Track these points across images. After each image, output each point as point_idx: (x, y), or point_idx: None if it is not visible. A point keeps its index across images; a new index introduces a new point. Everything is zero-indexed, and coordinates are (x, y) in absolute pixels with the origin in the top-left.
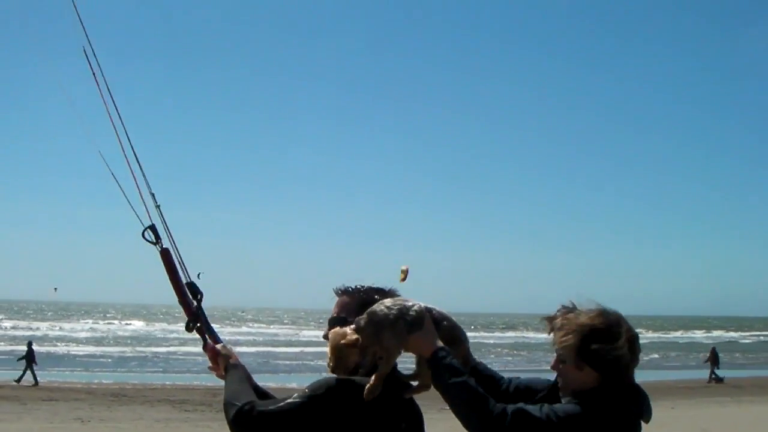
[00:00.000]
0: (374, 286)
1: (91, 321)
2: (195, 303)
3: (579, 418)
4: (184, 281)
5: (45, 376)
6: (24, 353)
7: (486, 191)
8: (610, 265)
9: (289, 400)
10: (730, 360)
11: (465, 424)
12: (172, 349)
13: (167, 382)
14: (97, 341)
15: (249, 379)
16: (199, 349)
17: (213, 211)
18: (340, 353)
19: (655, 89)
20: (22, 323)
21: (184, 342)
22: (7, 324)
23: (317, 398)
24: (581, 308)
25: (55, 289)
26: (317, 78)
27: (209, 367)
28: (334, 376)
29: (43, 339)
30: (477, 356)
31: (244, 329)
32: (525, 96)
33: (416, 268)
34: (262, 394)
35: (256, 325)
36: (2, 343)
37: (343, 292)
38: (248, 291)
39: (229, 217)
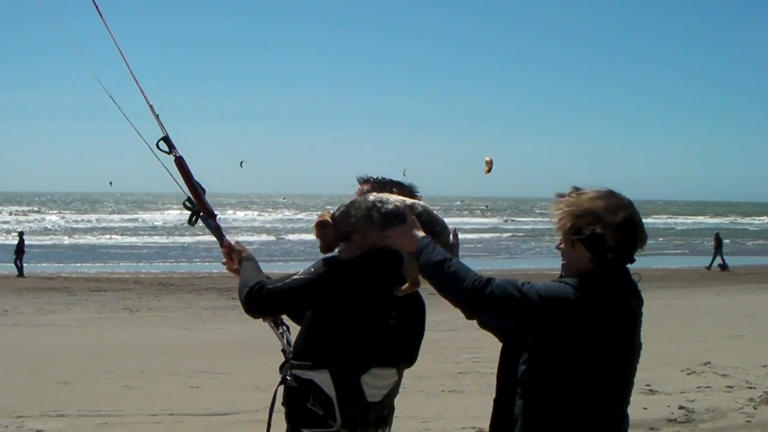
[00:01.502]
0: (395, 179)
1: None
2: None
3: (561, 298)
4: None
5: (91, 267)
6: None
7: (475, 81)
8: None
9: (294, 277)
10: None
11: (451, 301)
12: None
13: (214, 271)
14: (132, 231)
15: (260, 268)
16: (248, 233)
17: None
18: (317, 233)
19: None
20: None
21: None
22: (52, 217)
23: (318, 276)
24: (589, 190)
25: (111, 183)
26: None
27: (223, 262)
28: (335, 256)
29: (78, 231)
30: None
31: (286, 214)
32: None
33: (412, 154)
34: None
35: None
36: (46, 237)
37: (365, 181)
38: (290, 177)
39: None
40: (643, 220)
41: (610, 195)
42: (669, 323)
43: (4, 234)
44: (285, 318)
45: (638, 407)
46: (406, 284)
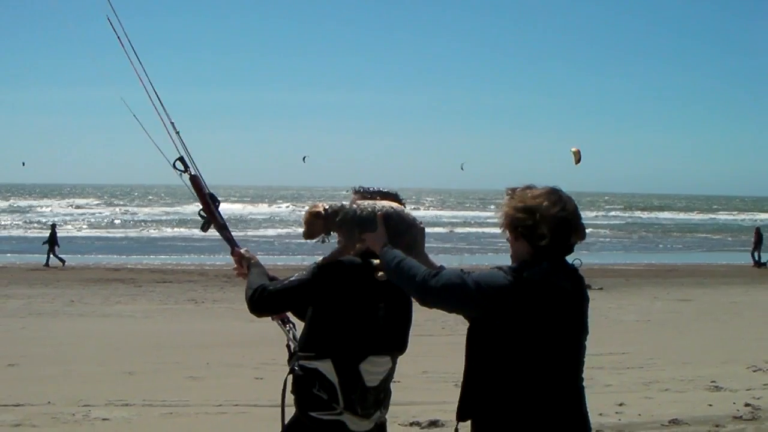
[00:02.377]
0: (383, 189)
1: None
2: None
3: (493, 284)
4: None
5: (155, 259)
6: (48, 236)
7: (478, 79)
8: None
9: (291, 279)
10: None
11: (408, 293)
12: (270, 231)
13: (279, 263)
14: (181, 223)
15: (266, 273)
16: (300, 231)
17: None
18: (306, 219)
19: None
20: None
21: (284, 223)
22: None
23: (312, 277)
24: (535, 187)
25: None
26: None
27: (234, 269)
28: (325, 257)
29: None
30: None
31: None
32: None
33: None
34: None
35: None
36: (108, 230)
37: (356, 192)
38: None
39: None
40: (712, 216)
41: (551, 193)
42: (734, 320)
43: (69, 225)
44: (291, 317)
45: (703, 404)
46: (380, 274)
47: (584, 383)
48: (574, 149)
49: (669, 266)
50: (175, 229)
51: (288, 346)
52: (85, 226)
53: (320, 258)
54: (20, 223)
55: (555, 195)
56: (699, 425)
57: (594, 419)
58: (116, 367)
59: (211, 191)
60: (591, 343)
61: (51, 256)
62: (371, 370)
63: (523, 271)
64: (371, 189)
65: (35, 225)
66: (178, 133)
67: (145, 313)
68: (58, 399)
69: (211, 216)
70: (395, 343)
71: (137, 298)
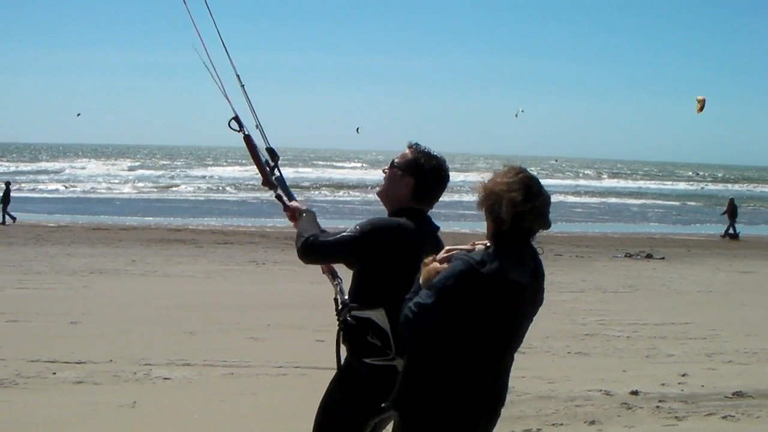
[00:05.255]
0: (433, 152)
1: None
2: (272, 169)
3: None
4: (265, 147)
5: (216, 221)
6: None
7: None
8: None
9: (343, 234)
10: None
11: None
12: (326, 192)
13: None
14: (237, 185)
15: (317, 222)
16: (371, 194)
17: None
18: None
19: None
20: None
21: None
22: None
23: (364, 234)
24: (522, 171)
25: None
26: None
27: (287, 217)
28: (381, 216)
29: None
30: None
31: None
32: None
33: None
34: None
35: None
36: (168, 191)
37: (409, 147)
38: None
39: None
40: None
41: (521, 181)
42: None
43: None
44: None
45: (767, 377)
46: None
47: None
48: (699, 97)
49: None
50: (234, 192)
51: (335, 300)
52: (149, 186)
53: (373, 218)
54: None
55: (523, 184)
56: (763, 398)
57: (657, 389)
58: (177, 327)
59: (272, 146)
60: (653, 313)
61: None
62: None
63: (470, 261)
64: (425, 148)
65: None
66: (243, 86)
67: (207, 273)
68: (120, 357)
69: (262, 173)
70: None
71: (198, 258)
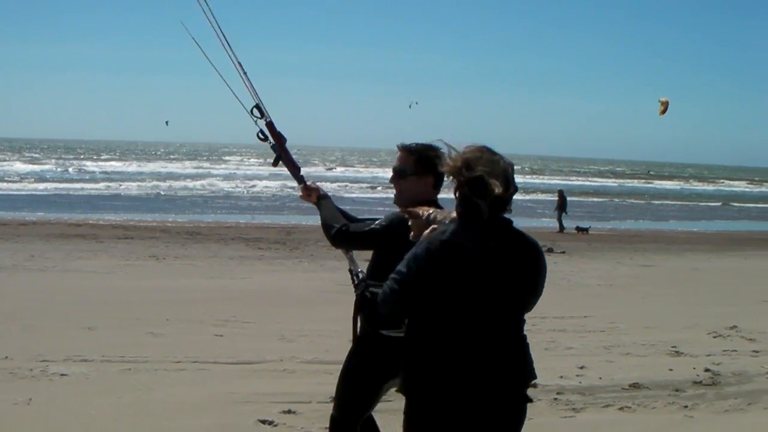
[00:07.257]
0: (424, 144)
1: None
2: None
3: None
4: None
5: (117, 216)
6: None
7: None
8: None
9: (372, 226)
10: None
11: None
12: (241, 187)
13: (241, 221)
14: (155, 177)
15: (336, 207)
16: (275, 186)
17: None
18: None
19: None
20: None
21: (255, 177)
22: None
23: (392, 227)
24: (472, 146)
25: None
26: None
27: (300, 196)
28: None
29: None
30: None
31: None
32: None
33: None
34: (347, 217)
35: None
36: (67, 185)
37: (405, 149)
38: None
39: None
40: (682, 184)
41: (476, 150)
42: (696, 286)
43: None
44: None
45: (664, 368)
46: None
47: (525, 333)
48: (662, 99)
49: (633, 231)
50: (139, 185)
51: (350, 271)
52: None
53: (399, 212)
54: None
55: (478, 153)
56: (659, 389)
57: (555, 381)
58: (76, 323)
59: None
60: (553, 306)
61: None
62: None
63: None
64: (419, 144)
65: None
66: (245, 74)
67: (107, 268)
68: (16, 354)
69: (283, 151)
70: None
71: (99, 254)
